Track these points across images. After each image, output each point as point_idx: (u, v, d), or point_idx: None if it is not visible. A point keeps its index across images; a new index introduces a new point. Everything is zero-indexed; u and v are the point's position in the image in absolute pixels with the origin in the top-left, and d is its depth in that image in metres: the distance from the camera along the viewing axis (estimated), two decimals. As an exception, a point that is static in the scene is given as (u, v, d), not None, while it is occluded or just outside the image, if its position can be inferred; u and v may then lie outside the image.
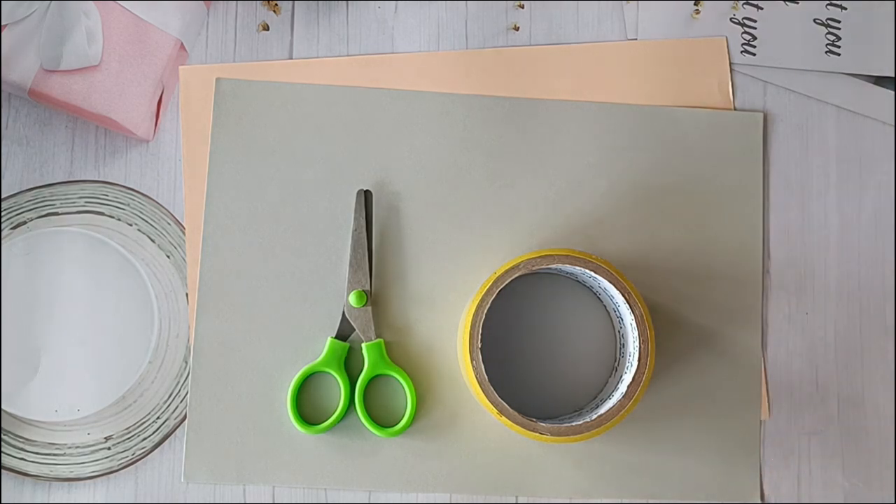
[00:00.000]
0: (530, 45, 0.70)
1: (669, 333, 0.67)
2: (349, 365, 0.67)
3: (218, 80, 0.68)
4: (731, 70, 0.69)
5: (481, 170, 0.68)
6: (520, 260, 0.61)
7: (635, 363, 0.60)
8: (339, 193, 0.67)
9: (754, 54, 0.70)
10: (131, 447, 0.65)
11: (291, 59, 0.69)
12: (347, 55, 0.69)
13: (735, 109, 0.69)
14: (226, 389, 0.66)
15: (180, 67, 0.68)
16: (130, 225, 0.67)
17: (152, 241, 0.67)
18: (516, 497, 0.66)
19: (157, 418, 0.66)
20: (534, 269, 0.60)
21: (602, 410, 0.60)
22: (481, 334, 0.60)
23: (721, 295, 0.67)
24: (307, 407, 0.66)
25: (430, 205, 0.68)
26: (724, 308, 0.67)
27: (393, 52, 0.69)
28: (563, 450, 0.66)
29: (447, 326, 0.67)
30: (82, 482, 0.65)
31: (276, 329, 0.66)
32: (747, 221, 0.68)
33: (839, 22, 0.70)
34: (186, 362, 0.66)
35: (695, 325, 0.67)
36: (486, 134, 0.68)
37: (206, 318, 0.66)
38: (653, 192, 0.68)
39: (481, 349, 0.60)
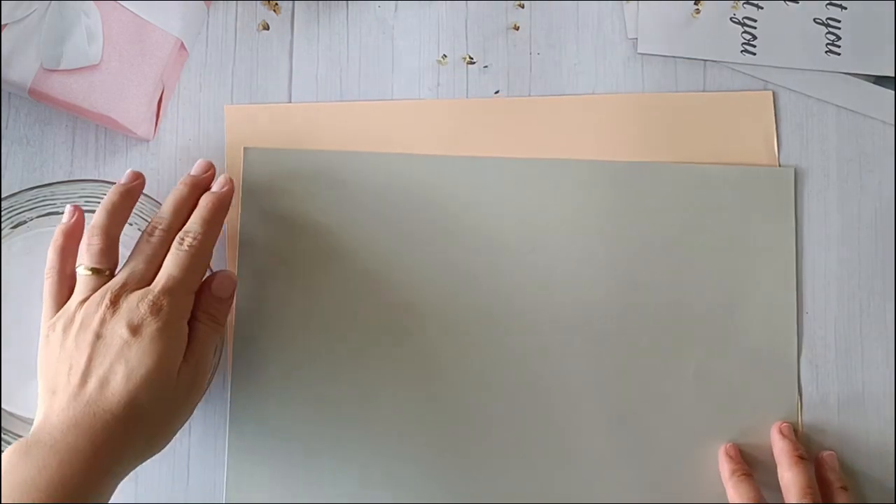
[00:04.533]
0: (530, 48, 0.70)
1: (702, 386, 0.67)
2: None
3: (246, 148, 0.67)
4: (777, 122, 0.69)
5: (511, 234, 0.67)
6: None
7: None
8: (370, 259, 0.67)
9: (754, 54, 0.70)
10: (131, 447, 0.65)
11: (291, 58, 0.69)
12: (347, 55, 0.69)
13: (780, 166, 0.69)
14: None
15: (226, 106, 0.68)
16: (130, 225, 0.67)
17: (152, 240, 0.67)
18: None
19: (157, 418, 0.66)
20: None
21: None
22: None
23: (754, 353, 0.67)
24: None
25: (459, 263, 0.67)
26: (757, 365, 0.67)
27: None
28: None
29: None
30: (82, 482, 0.65)
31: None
32: (780, 278, 0.67)
33: (839, 22, 0.70)
34: (186, 362, 0.66)
35: (727, 380, 0.67)
36: (519, 196, 0.67)
37: None
38: (686, 250, 0.67)
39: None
